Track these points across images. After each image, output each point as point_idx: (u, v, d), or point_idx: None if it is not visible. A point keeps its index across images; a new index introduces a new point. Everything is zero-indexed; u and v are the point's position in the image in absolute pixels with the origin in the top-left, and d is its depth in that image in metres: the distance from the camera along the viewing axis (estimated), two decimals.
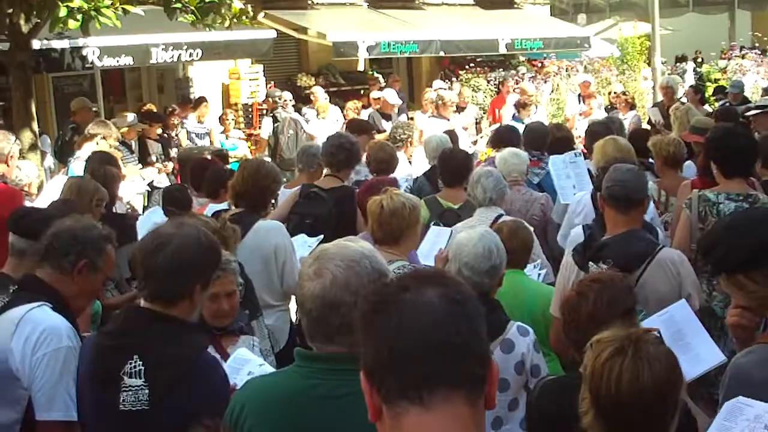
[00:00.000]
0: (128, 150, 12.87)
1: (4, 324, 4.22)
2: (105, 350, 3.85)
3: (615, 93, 17.34)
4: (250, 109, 19.45)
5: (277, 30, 18.66)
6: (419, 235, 6.21)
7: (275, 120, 16.28)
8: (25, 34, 12.54)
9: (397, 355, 1.93)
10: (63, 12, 11.58)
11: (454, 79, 21.84)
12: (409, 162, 10.77)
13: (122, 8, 12.08)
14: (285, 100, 16.79)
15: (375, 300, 2.03)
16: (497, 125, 14.96)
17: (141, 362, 3.70)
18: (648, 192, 5.73)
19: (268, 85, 19.56)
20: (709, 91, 20.60)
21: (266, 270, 6.48)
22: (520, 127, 10.74)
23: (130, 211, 10.27)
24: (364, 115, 16.33)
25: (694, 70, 25.32)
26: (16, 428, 4.22)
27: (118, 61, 15.58)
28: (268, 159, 15.71)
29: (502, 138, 9.72)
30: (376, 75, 21.23)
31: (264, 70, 20.01)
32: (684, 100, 15.43)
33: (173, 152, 14.50)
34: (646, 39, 23.99)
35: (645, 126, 14.75)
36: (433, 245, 6.45)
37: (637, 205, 5.48)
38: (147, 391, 3.67)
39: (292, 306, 6.87)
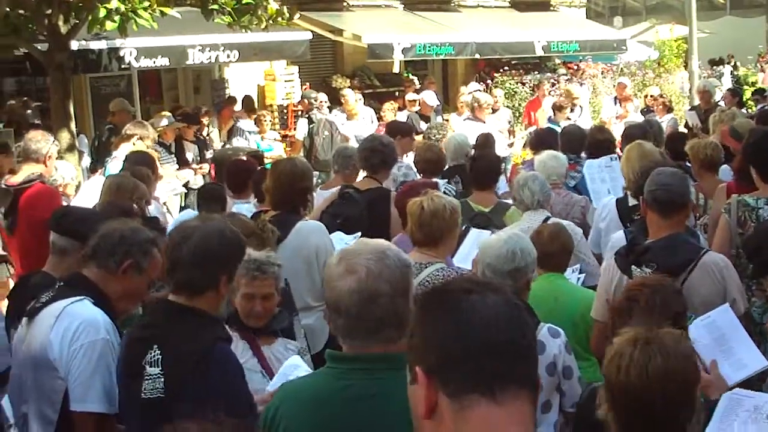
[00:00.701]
0: (166, 150, 12.91)
1: (45, 317, 4.31)
2: (132, 341, 3.99)
3: (651, 96, 17.22)
4: (285, 111, 19.48)
5: (312, 31, 18.69)
6: (457, 238, 6.17)
7: (310, 121, 16.29)
8: (64, 35, 12.64)
9: (470, 352, 1.98)
10: (101, 13, 11.66)
11: (489, 81, 21.77)
12: None
13: (159, 10, 12.14)
14: (320, 102, 16.79)
15: (441, 297, 2.09)
16: (532, 128, 14.91)
17: (159, 352, 3.79)
18: (691, 196, 5.67)
19: (303, 87, 19.59)
20: (747, 94, 20.43)
21: (308, 271, 6.48)
22: (557, 131, 10.68)
23: (165, 211, 10.28)
24: (401, 116, 16.29)
25: (731, 73, 25.12)
26: (53, 422, 4.28)
27: (154, 62, 15.68)
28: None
29: (542, 141, 9.67)
30: (411, 77, 21.21)
31: (299, 72, 20.07)
32: (721, 103, 15.30)
33: (209, 154, 14.52)
34: (683, 42, 23.83)
35: (682, 129, 14.66)
36: (471, 248, 6.42)
37: (680, 209, 5.42)
38: (163, 380, 3.76)
39: None
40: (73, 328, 4.20)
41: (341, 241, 6.98)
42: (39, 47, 13.02)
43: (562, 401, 4.97)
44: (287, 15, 14.04)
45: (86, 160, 14.23)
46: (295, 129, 17.85)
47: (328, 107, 17.00)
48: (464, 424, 1.97)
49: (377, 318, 2.96)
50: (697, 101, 15.87)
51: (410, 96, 17.64)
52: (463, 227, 7.03)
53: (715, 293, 5.18)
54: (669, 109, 16.17)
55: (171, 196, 11.84)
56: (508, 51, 21.74)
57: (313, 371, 3.48)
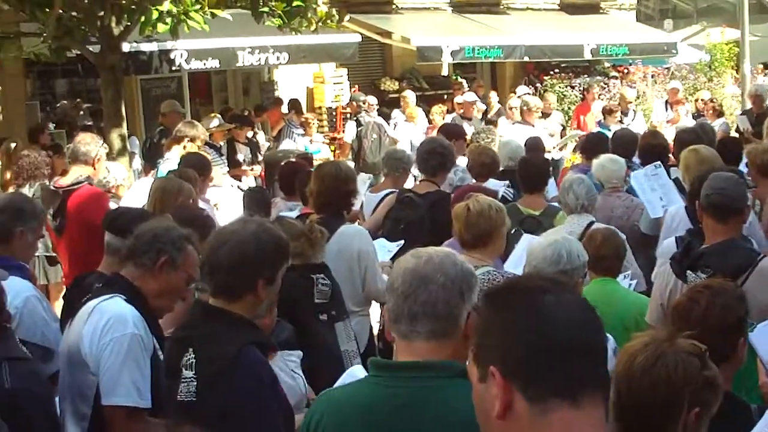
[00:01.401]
0: (216, 152, 12.98)
1: (80, 316, 4.39)
2: (173, 342, 4.04)
3: (702, 100, 17.07)
4: (334, 113, 19.53)
5: (361, 34, 18.72)
6: (505, 239, 6.16)
7: (359, 124, 16.32)
8: (116, 36, 12.75)
9: (555, 356, 1.99)
10: (153, 15, 11.76)
11: (538, 84, 21.69)
12: None
13: (210, 12, 12.22)
14: (369, 104, 16.80)
15: (518, 297, 2.09)
16: (575, 132, 14.84)
17: (194, 355, 3.80)
18: (747, 201, 5.62)
19: (352, 89, 19.62)
20: None
21: (349, 275, 6.49)
22: (608, 135, 10.61)
23: (215, 212, 10.33)
24: (447, 120, 16.29)
25: None
26: (86, 417, 4.35)
27: (205, 64, 15.82)
28: (351, 162, 15.79)
29: (592, 145, 9.61)
30: (459, 80, 21.17)
31: (348, 74, 20.12)
32: None
33: (260, 156, 14.60)
34: (734, 45, 23.58)
35: (733, 134, 14.51)
36: (522, 254, 6.40)
37: (736, 214, 5.38)
38: (195, 383, 3.77)
39: (371, 312, 6.93)
40: (102, 323, 4.26)
41: (383, 248, 7.00)
42: (91, 49, 13.14)
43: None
44: (337, 17, 14.09)
45: (137, 162, 14.35)
46: (343, 131, 17.89)
47: (376, 110, 17.01)
48: (544, 427, 1.99)
49: (422, 302, 2.93)
50: (748, 105, 15.69)
51: (458, 99, 17.62)
52: (512, 231, 7.02)
53: None
54: (720, 113, 16.02)
55: (222, 198, 11.88)
56: (557, 54, 21.66)
57: (355, 380, 3.44)
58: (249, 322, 3.94)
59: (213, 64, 15.94)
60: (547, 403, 1.98)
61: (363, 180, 9.77)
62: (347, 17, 15.88)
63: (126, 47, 13.85)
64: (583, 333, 2.03)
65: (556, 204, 7.74)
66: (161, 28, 12.08)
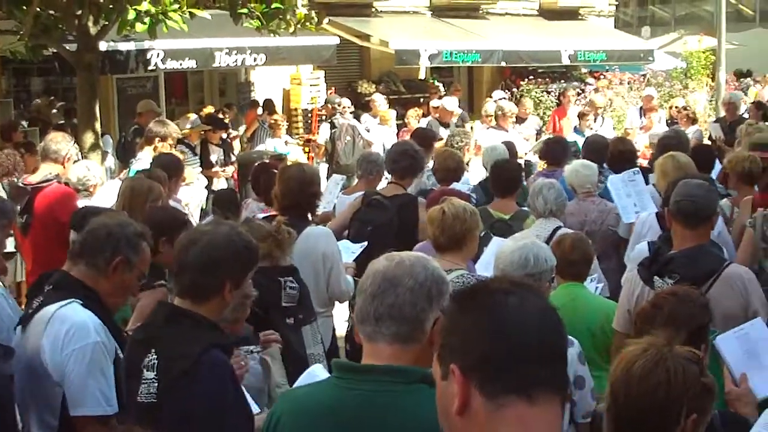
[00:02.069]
0: (191, 151, 12.95)
1: (36, 323, 4.28)
2: (134, 343, 3.97)
3: (677, 107, 17.16)
4: (309, 115, 19.51)
5: (340, 36, 18.74)
6: (478, 242, 6.18)
7: (333, 126, 16.32)
8: (93, 36, 12.71)
9: (513, 355, 2.03)
10: (131, 15, 11.72)
11: (515, 89, 21.75)
12: (466, 170, 10.73)
13: (189, 12, 12.18)
14: (344, 107, 16.79)
15: (481, 298, 2.12)
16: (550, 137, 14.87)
17: (156, 356, 3.75)
18: (717, 208, 5.64)
19: (329, 91, 19.63)
20: None
21: (314, 276, 6.49)
22: (581, 140, 10.65)
23: (188, 213, 10.29)
24: (423, 123, 16.30)
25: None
26: (54, 428, 4.28)
27: (181, 64, 15.78)
28: (325, 164, 15.79)
29: (553, 151, 9.66)
30: (436, 83, 21.22)
31: (325, 76, 20.11)
32: (746, 116, 15.22)
33: (233, 157, 14.57)
34: (711, 53, 23.72)
35: (706, 141, 14.58)
36: (492, 256, 6.41)
37: (705, 221, 5.41)
38: (156, 385, 3.72)
39: (335, 313, 6.92)
40: (62, 333, 4.16)
41: (347, 249, 7.00)
42: (68, 47, 13.09)
43: (573, 411, 4.94)
44: (316, 20, 14.08)
45: (110, 160, 14.30)
46: (318, 134, 17.90)
47: (351, 112, 17.00)
48: (498, 423, 2.02)
49: (388, 304, 2.91)
50: (722, 113, 15.78)
51: (434, 102, 17.66)
52: (482, 234, 7.04)
53: (737, 306, 5.16)
54: (693, 121, 16.10)
55: (193, 198, 11.85)
56: (535, 59, 21.74)
57: (316, 381, 3.42)
58: (213, 324, 3.90)
59: (190, 64, 15.91)
60: (502, 399, 2.02)
61: (336, 182, 9.77)
62: (327, 20, 15.88)
63: (103, 46, 13.81)
64: (543, 334, 2.06)
65: (526, 208, 7.77)
66: (139, 27, 12.04)
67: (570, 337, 4.92)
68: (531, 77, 22.60)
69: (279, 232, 5.44)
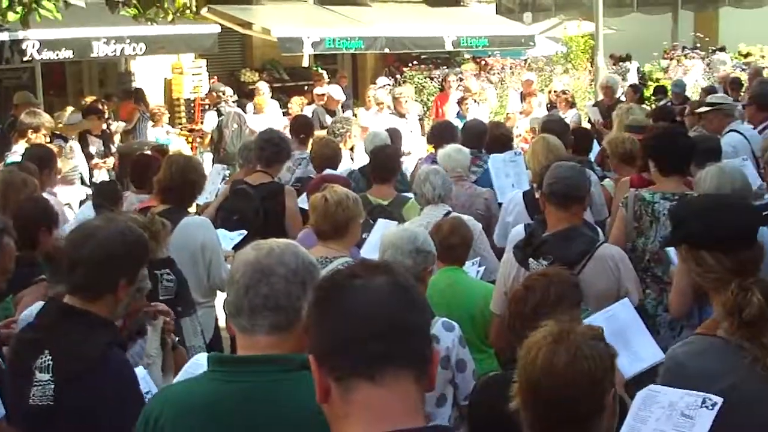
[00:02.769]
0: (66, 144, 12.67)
1: None
2: (22, 344, 3.86)
3: (555, 91, 17.44)
4: (192, 104, 19.29)
5: (221, 25, 18.51)
6: (360, 229, 6.20)
7: (219, 113, 16.18)
8: None
9: (350, 336, 2.06)
10: (3, 4, 11.41)
11: (398, 75, 21.83)
12: (351, 158, 10.74)
13: (63, 1, 11.91)
14: (227, 96, 16.67)
15: (327, 286, 2.15)
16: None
17: (50, 357, 3.66)
18: (589, 189, 5.75)
19: (211, 80, 19.42)
20: (650, 90, 20.76)
21: (193, 266, 6.44)
22: (462, 125, 10.73)
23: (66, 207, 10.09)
24: (308, 111, 16.27)
25: (638, 70, 25.52)
26: None
27: (58, 55, 15.41)
28: (210, 154, 15.65)
29: (440, 135, 9.71)
30: (320, 71, 21.17)
31: (207, 65, 19.87)
32: (623, 99, 15.55)
33: (113, 148, 14.30)
34: (590, 38, 24.15)
35: (585, 124, 14.86)
36: (379, 238, 6.44)
37: (578, 202, 5.50)
38: (52, 386, 3.63)
39: (218, 303, 6.85)
40: None
41: (225, 237, 6.96)
42: None
43: (456, 394, 4.98)
44: (194, 9, 13.91)
45: None
46: (202, 122, 17.70)
47: (234, 101, 16.87)
48: (349, 407, 2.05)
49: (264, 295, 2.90)
50: (601, 96, 16.09)
51: (318, 90, 17.62)
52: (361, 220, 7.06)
53: (609, 285, 5.27)
54: (572, 105, 16.39)
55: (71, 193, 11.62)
56: (418, 46, 21.80)
57: (194, 376, 3.37)
58: (108, 322, 3.83)
59: (67, 54, 15.53)
60: (349, 382, 2.05)
61: (218, 171, 9.69)
62: (205, 9, 15.70)
63: None
64: (387, 311, 2.07)
65: (405, 194, 7.81)
66: (11, 17, 11.74)
67: (450, 321, 4.97)
68: (415, 63, 22.70)
69: (153, 224, 5.36)
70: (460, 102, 15.95)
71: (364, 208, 7.20)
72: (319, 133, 11.98)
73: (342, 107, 16.89)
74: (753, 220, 3.69)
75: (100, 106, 15.11)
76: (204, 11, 15.51)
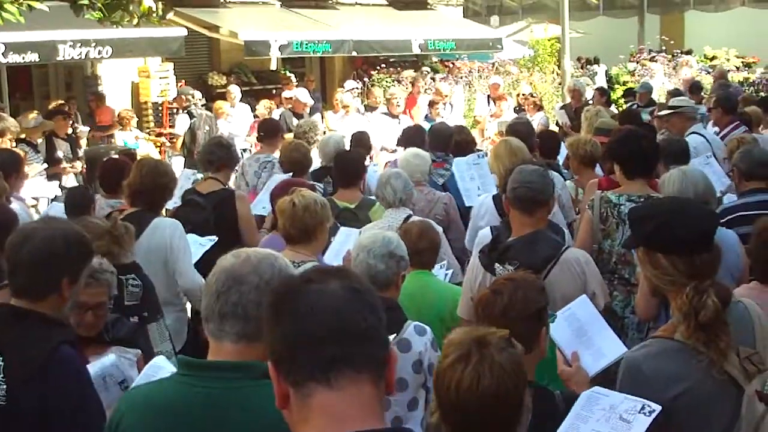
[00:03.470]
0: (33, 149, 12.60)
1: None
2: None
3: (523, 94, 17.51)
4: (160, 108, 19.21)
5: (188, 28, 18.46)
6: (327, 233, 6.20)
7: (191, 116, 16.14)
8: None
9: (304, 339, 2.06)
10: None
11: (366, 79, 21.85)
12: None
13: (27, 4, 11.82)
14: (196, 99, 16.66)
15: (282, 291, 2.16)
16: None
17: (1, 358, 3.67)
18: (553, 193, 5.76)
19: (179, 84, 19.36)
20: (618, 93, 20.88)
21: (165, 266, 6.42)
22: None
23: (34, 213, 10.03)
24: (276, 114, 16.27)
25: (605, 73, 25.67)
26: None
27: (23, 58, 15.28)
28: (182, 158, 15.60)
29: (410, 138, 9.72)
30: (288, 74, 21.16)
31: (175, 69, 19.80)
32: (591, 102, 15.64)
33: (81, 151, 14.24)
34: (556, 41, 24.26)
35: (552, 127, 14.93)
36: (342, 246, 6.45)
37: (542, 206, 5.51)
38: (5, 387, 3.64)
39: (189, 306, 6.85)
40: None
41: (196, 242, 6.93)
42: None
43: (429, 398, 4.99)
44: (160, 12, 13.82)
45: None
46: (170, 126, 17.65)
47: (203, 105, 16.86)
48: (307, 412, 2.06)
49: (233, 302, 2.89)
50: (568, 99, 16.18)
51: (286, 93, 17.63)
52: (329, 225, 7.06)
53: (575, 288, 5.28)
54: (540, 107, 16.47)
55: (41, 197, 11.56)
56: (385, 49, 21.84)
57: (161, 378, 3.37)
58: (59, 321, 3.84)
59: (32, 57, 15.40)
60: (305, 388, 2.05)
61: (188, 176, 9.65)
62: (171, 13, 15.61)
63: None
64: (342, 316, 2.07)
65: (370, 197, 7.82)
66: None
67: (423, 325, 4.97)
68: (383, 66, 22.72)
69: (115, 228, 5.34)
70: (431, 105, 15.98)
71: (331, 212, 7.23)
72: (288, 136, 11.97)
73: (310, 110, 16.88)
74: (709, 223, 3.70)
75: (67, 109, 15.06)
76: (170, 15, 15.39)
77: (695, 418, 3.42)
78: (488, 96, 17.65)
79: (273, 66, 20.55)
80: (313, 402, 2.04)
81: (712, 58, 27.25)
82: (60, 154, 13.63)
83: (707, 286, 3.41)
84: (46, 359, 3.65)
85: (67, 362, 3.72)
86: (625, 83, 23.92)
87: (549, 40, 25.11)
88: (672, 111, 10.93)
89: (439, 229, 6.95)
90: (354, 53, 21.32)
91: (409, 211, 7.15)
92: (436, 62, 24.52)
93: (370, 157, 11.20)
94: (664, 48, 27.98)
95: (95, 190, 9.94)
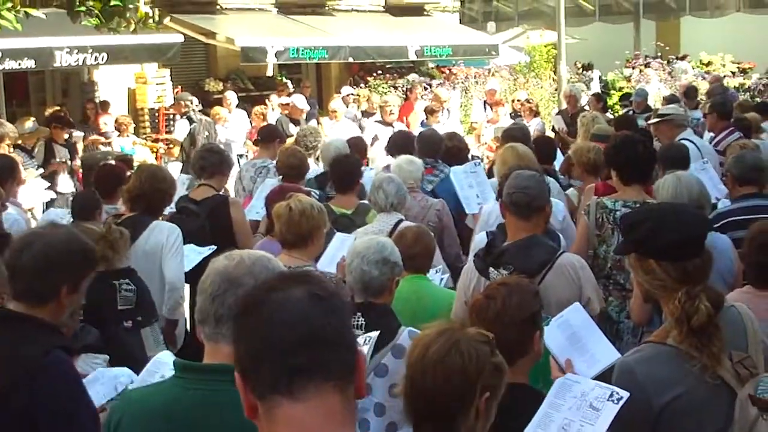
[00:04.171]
0: (28, 155, 12.61)
1: None
2: None
3: (519, 100, 17.52)
4: (156, 114, 19.23)
5: (184, 34, 18.50)
6: (324, 238, 6.21)
7: (191, 122, 16.15)
8: None
9: (266, 351, 2.02)
10: None
11: (362, 85, 21.86)
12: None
13: (24, 11, 11.82)
14: (193, 105, 16.67)
15: (245, 301, 2.12)
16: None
17: None
18: (549, 198, 5.77)
19: (175, 90, 19.37)
20: (614, 99, 20.90)
21: (161, 271, 6.45)
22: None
23: (30, 217, 10.03)
24: (272, 119, 16.29)
25: (600, 79, 25.70)
26: None
27: (20, 64, 15.32)
28: (179, 163, 15.60)
29: (399, 145, 9.74)
30: (284, 80, 21.18)
31: (171, 75, 19.83)
32: (587, 107, 15.66)
33: (78, 157, 14.25)
34: (552, 47, 24.29)
35: (549, 133, 14.95)
36: (336, 251, 6.45)
37: (538, 212, 5.50)
38: None
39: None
40: None
41: (195, 251, 6.94)
42: None
43: None
44: (157, 18, 13.83)
45: None
46: (166, 132, 17.67)
47: (200, 111, 16.87)
48: (273, 424, 2.03)
49: (229, 304, 2.90)
50: (564, 105, 16.20)
51: (282, 99, 17.62)
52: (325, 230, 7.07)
53: (570, 294, 5.28)
54: (536, 113, 16.48)
55: (36, 202, 11.57)
56: (382, 55, 21.88)
57: (159, 381, 3.39)
58: (52, 326, 3.83)
59: (29, 64, 15.45)
60: (269, 400, 2.02)
61: (182, 181, 9.66)
62: (167, 19, 15.64)
63: None
64: (305, 325, 2.02)
65: (366, 202, 7.82)
66: None
67: (416, 330, 4.93)
68: (379, 72, 22.74)
69: (110, 233, 5.35)
70: (431, 112, 15.97)
71: (328, 218, 7.24)
72: (290, 141, 11.98)
73: (306, 117, 16.89)
74: (700, 228, 3.70)
75: (63, 115, 15.07)
76: (167, 21, 15.43)
77: (688, 423, 3.43)
78: (485, 102, 17.67)
79: (269, 72, 20.58)
80: (278, 414, 2.01)
81: (708, 64, 27.28)
82: (58, 159, 13.64)
83: (699, 291, 3.42)
84: (37, 362, 3.64)
85: (59, 366, 3.70)
86: (620, 89, 23.93)
87: (545, 46, 25.17)
88: (661, 119, 10.94)
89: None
90: (350, 59, 21.36)
91: (401, 216, 7.14)
92: (432, 68, 24.55)
93: (365, 162, 11.18)
94: (659, 54, 28.00)
95: None
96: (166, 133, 18.04)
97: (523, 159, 7.68)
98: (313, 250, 6.02)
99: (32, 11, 11.90)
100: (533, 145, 9.44)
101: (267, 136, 10.34)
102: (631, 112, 16.06)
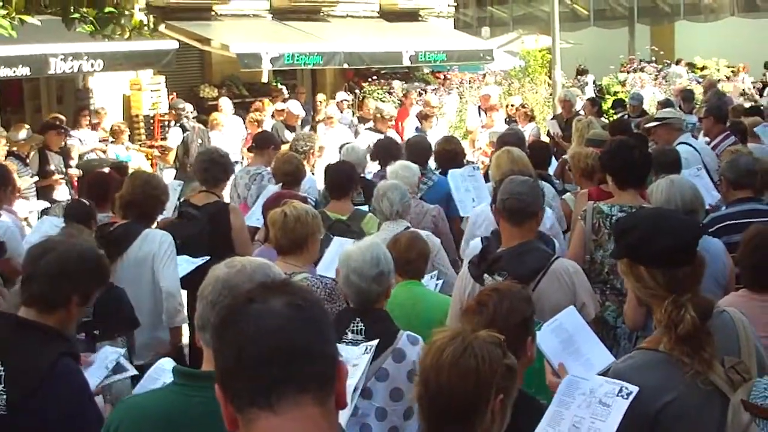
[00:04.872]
0: (21, 162, 12.60)
1: None
2: None
3: (513, 105, 17.53)
4: (151, 121, 19.22)
5: (179, 41, 18.49)
6: (319, 244, 6.21)
7: (184, 129, 16.15)
8: None
9: (244, 363, 1.99)
10: None
11: (357, 90, 21.88)
12: (312, 173, 10.74)
13: (19, 18, 11.82)
14: (188, 112, 16.67)
15: (224, 313, 2.09)
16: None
17: (3, 367, 3.71)
18: (543, 204, 5.78)
19: (170, 97, 19.38)
20: (608, 103, 20.93)
21: (153, 279, 6.47)
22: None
23: (24, 225, 10.02)
24: (267, 126, 16.29)
25: (594, 83, 25.73)
26: None
27: (15, 72, 15.27)
28: (173, 170, 15.60)
29: (384, 151, 9.76)
30: (279, 86, 21.19)
31: (166, 81, 19.82)
32: (582, 112, 15.68)
33: (73, 164, 14.24)
34: (547, 52, 24.32)
35: (544, 138, 14.96)
36: (335, 256, 6.44)
37: (531, 217, 5.51)
38: (5, 397, 3.68)
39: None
40: None
41: (188, 260, 6.94)
42: None
43: None
44: (152, 25, 13.83)
45: None
46: (161, 139, 17.66)
47: (194, 117, 16.87)
48: None
49: None
50: (559, 110, 16.22)
51: (278, 106, 17.63)
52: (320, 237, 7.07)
53: (565, 299, 5.28)
54: (531, 118, 16.49)
55: (30, 211, 11.56)
56: (376, 61, 21.90)
57: (157, 388, 3.40)
58: (62, 334, 3.89)
59: (23, 71, 15.40)
60: (248, 413, 1.99)
61: (174, 187, 9.66)
62: (162, 26, 15.65)
63: None
64: (283, 336, 2.00)
65: (361, 208, 7.83)
66: None
67: (415, 335, 4.98)
68: (374, 78, 22.76)
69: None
70: (425, 117, 15.99)
71: (324, 224, 7.24)
72: (285, 148, 12.00)
73: (301, 122, 16.91)
74: (690, 235, 3.70)
75: (59, 122, 15.06)
76: (162, 27, 15.46)
77: (681, 428, 3.44)
78: (479, 107, 17.68)
79: (264, 78, 20.59)
80: (257, 427, 1.98)
81: (702, 68, 27.34)
82: (52, 167, 13.62)
83: (685, 300, 3.41)
84: (46, 370, 3.70)
85: (68, 374, 3.78)
86: (615, 93, 23.96)
87: (540, 51, 25.17)
88: (658, 123, 10.96)
89: (437, 241, 6.99)
90: (345, 65, 21.38)
91: (407, 224, 7.13)
92: (427, 74, 24.56)
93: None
94: (654, 58, 28.05)
95: None
96: (161, 139, 18.04)
97: (517, 163, 7.69)
98: (308, 257, 6.03)
99: (27, 18, 11.89)
100: (528, 150, 9.46)
101: (261, 143, 10.36)
102: (626, 116, 16.07)
